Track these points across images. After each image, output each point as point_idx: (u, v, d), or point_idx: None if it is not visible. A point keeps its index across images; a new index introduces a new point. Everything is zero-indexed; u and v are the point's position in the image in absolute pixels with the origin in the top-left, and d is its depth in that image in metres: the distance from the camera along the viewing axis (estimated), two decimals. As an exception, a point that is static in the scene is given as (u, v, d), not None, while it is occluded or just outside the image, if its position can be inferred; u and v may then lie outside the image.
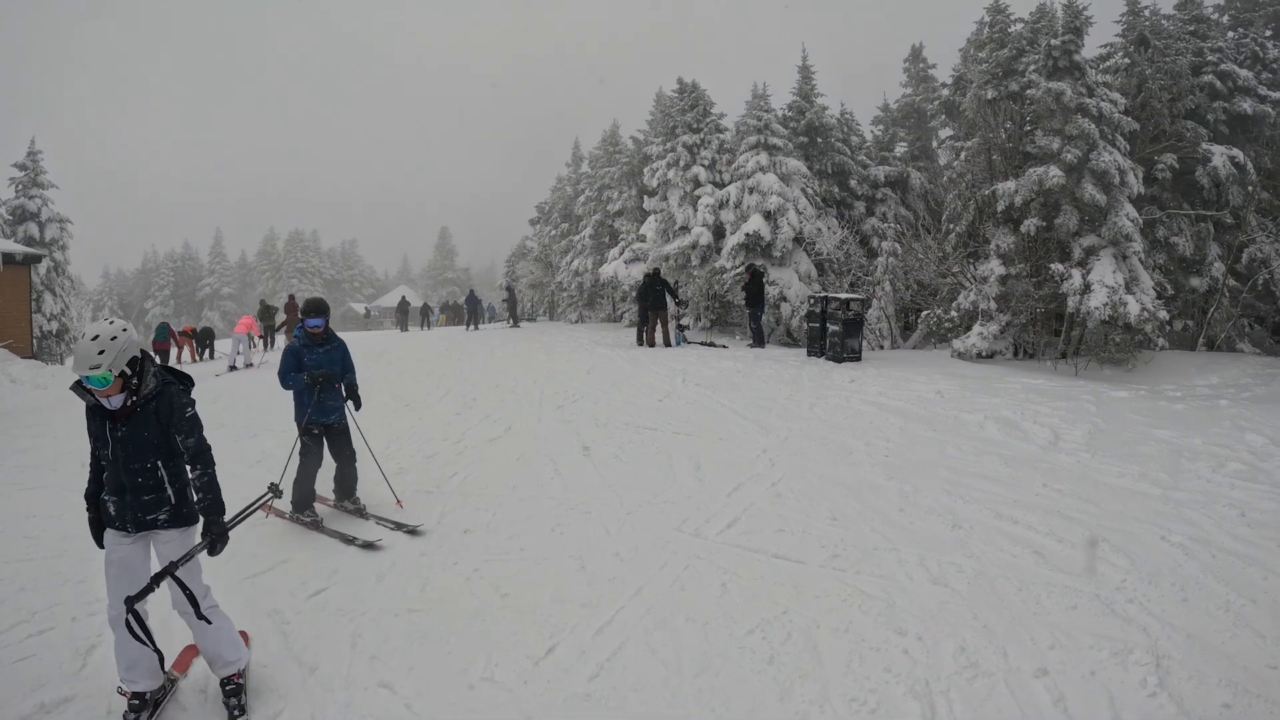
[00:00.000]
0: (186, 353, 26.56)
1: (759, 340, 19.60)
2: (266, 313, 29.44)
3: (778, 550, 6.18)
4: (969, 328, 16.98)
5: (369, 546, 6.66)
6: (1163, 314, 15.26)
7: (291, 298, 30.18)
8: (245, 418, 12.59)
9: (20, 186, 34.12)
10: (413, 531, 6.96)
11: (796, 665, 4.57)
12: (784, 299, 21.44)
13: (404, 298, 52.96)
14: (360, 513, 7.58)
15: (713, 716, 4.18)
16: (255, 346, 25.58)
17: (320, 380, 7.39)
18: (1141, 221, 16.04)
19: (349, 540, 6.80)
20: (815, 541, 6.32)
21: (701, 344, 20.42)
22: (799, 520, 6.80)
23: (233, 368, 21.62)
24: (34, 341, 26.68)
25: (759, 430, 9.98)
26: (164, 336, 24.00)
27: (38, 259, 27.62)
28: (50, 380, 20.15)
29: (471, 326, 36.91)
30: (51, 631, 5.33)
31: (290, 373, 7.50)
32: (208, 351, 27.04)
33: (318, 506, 7.58)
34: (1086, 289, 15.18)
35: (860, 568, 5.78)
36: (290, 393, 7.64)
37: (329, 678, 4.68)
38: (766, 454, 8.89)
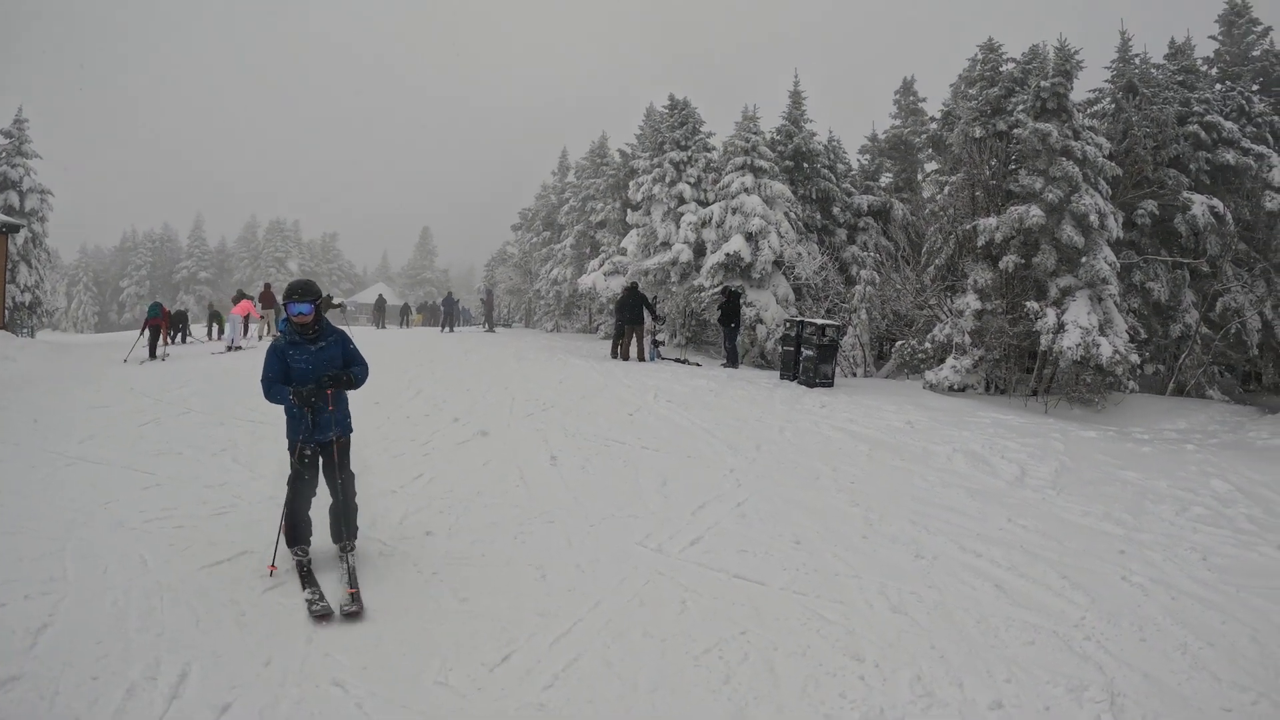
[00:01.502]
0: (161, 336, 26.21)
1: (733, 361, 19.59)
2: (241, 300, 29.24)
3: (739, 570, 6.14)
4: (942, 360, 17.06)
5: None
6: (1134, 357, 15.40)
7: (267, 287, 29.81)
8: (213, 403, 12.40)
9: (4, 154, 33.73)
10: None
11: (752, 686, 4.53)
12: (760, 321, 21.49)
13: (381, 295, 52.83)
14: (344, 563, 6.06)
15: None
16: (245, 332, 25.85)
17: (311, 398, 5.88)
18: (1119, 265, 16.19)
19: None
20: (777, 564, 6.29)
21: (675, 361, 20.38)
22: (762, 542, 6.77)
23: (230, 348, 22.44)
24: (5, 313, 26.29)
25: (728, 450, 9.95)
26: (157, 313, 23.81)
27: (15, 228, 27.27)
28: (19, 352, 19.92)
29: (447, 328, 36.81)
30: (2, 608, 5.20)
31: (274, 382, 5.95)
32: (180, 335, 26.70)
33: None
34: (1060, 328, 15.28)
35: (821, 592, 5.75)
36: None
37: (283, 672, 4.59)
38: (734, 474, 8.87)
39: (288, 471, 6.11)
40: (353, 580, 5.70)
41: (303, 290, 6.00)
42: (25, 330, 30.46)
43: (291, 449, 6.09)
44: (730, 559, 6.39)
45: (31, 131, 34.51)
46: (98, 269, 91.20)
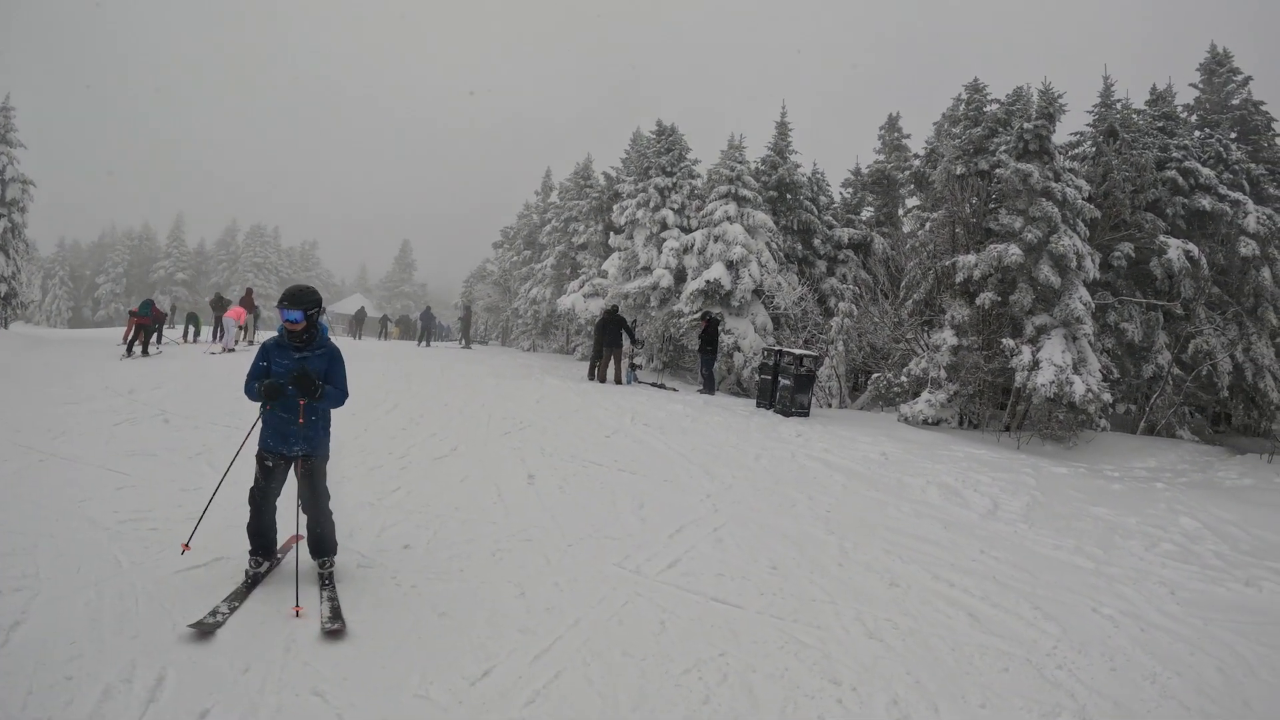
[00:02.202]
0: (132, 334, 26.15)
1: (709, 387, 19.65)
2: (220, 304, 29.18)
3: (717, 594, 6.17)
4: (918, 394, 17.21)
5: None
6: (1107, 396, 15.59)
7: (249, 292, 29.70)
8: (189, 405, 12.30)
9: None
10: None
11: (731, 707, 4.56)
12: (738, 348, 21.60)
13: (362, 307, 52.84)
14: (323, 582, 5.91)
15: None
16: (241, 335, 26.59)
17: (273, 391, 5.65)
18: (1094, 305, 16.42)
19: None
20: (754, 588, 6.32)
21: (652, 385, 20.41)
22: (739, 566, 6.80)
23: (226, 350, 23.30)
24: None
25: (704, 475, 9.99)
26: (148, 312, 23.81)
27: None
28: None
29: (424, 343, 36.77)
30: None
31: (252, 379, 5.83)
32: (155, 336, 26.57)
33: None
34: (1035, 366, 15.47)
35: (798, 617, 5.79)
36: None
37: (262, 680, 4.58)
38: (710, 499, 8.91)
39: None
40: (333, 598, 5.62)
41: (293, 298, 5.75)
42: None
43: (257, 456, 5.97)
44: (708, 582, 6.42)
45: (18, 120, 34.14)
46: (75, 263, 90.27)
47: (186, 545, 5.87)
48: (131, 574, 5.88)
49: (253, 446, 6.03)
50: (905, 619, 5.83)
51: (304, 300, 5.76)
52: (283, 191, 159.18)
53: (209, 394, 13.29)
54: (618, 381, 19.93)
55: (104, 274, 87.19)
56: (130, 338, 22.67)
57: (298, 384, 5.65)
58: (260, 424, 5.90)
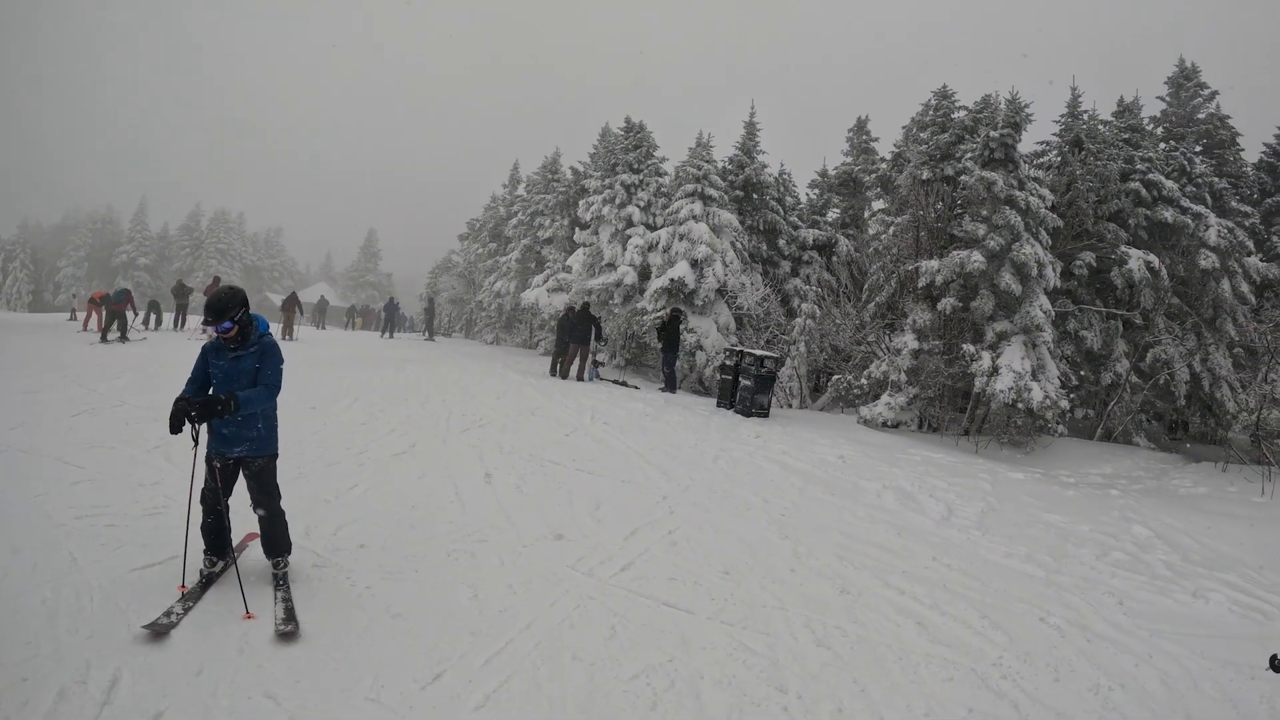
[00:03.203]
0: (94, 321, 26.05)
1: (670, 385, 19.66)
2: (181, 291, 29.03)
3: (669, 598, 6.17)
4: (878, 396, 17.32)
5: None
6: (1064, 402, 15.75)
7: (216, 280, 29.50)
8: (149, 398, 12.15)
9: None
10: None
11: (678, 713, 4.58)
12: (700, 347, 21.60)
13: (323, 296, 52.54)
14: (277, 582, 5.85)
15: None
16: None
17: (181, 414, 5.37)
18: (1054, 313, 16.59)
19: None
20: (706, 593, 6.33)
21: (614, 382, 20.44)
22: (692, 570, 6.81)
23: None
24: None
25: (661, 476, 9.99)
26: (122, 299, 23.88)
27: None
28: None
29: (387, 334, 36.62)
30: None
31: (189, 383, 5.76)
32: (117, 322, 26.40)
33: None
34: (994, 371, 15.61)
35: (748, 623, 5.80)
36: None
37: (214, 682, 4.53)
38: (667, 501, 8.91)
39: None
40: (287, 599, 5.56)
41: (216, 311, 5.55)
42: None
43: (206, 458, 5.87)
44: (660, 586, 6.42)
45: None
46: (36, 245, 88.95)
47: (183, 588, 5.65)
48: (88, 572, 5.81)
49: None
50: (854, 626, 5.86)
51: (228, 308, 5.58)
52: (248, 175, 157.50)
53: (168, 385, 13.12)
54: (580, 378, 19.96)
55: (65, 258, 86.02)
56: (104, 325, 22.87)
57: (201, 410, 5.40)
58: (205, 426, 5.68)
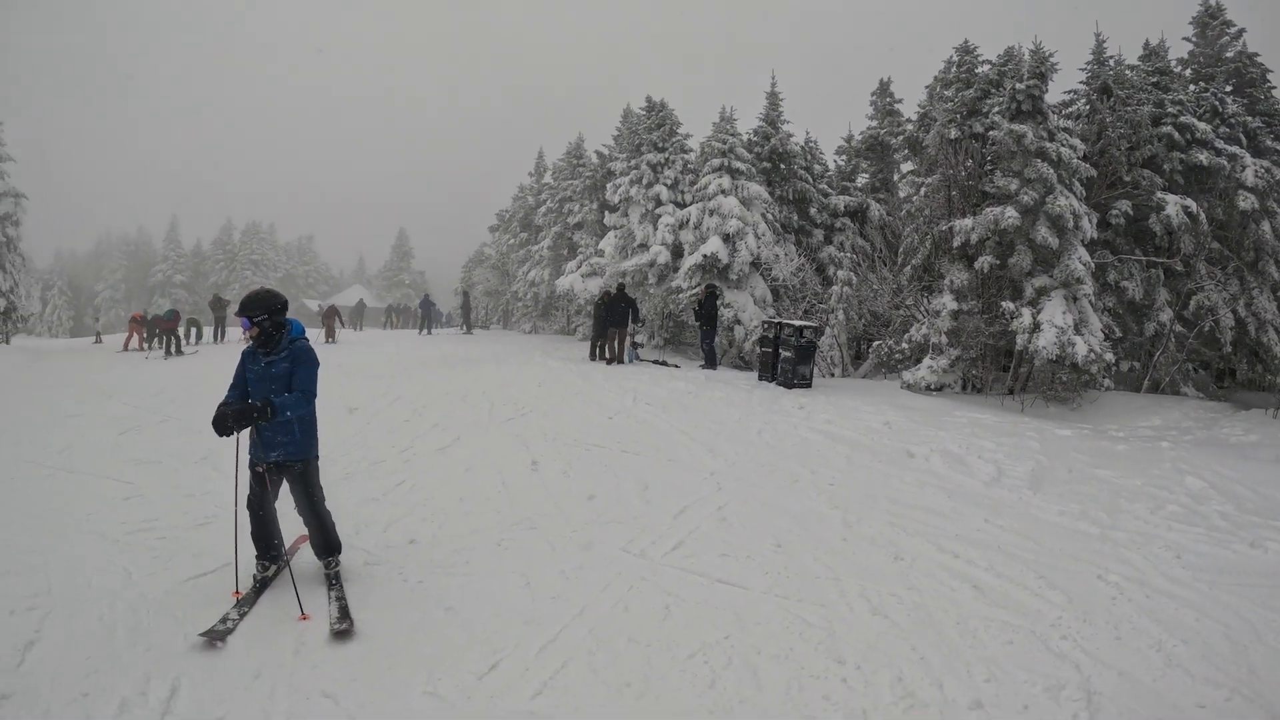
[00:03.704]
0: (135, 340, 26.86)
1: (711, 362, 19.62)
2: (218, 304, 29.66)
3: (722, 575, 6.19)
4: (919, 360, 17.16)
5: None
6: (1109, 356, 15.53)
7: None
8: (191, 411, 12.34)
9: None
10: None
11: (737, 690, 4.59)
12: (738, 322, 21.52)
13: (361, 299, 53.07)
14: (329, 582, 5.93)
15: None
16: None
17: (223, 422, 5.43)
18: (1093, 265, 16.33)
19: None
20: (759, 568, 6.34)
21: (654, 362, 20.45)
22: (743, 545, 6.82)
23: None
24: None
25: (707, 453, 9.99)
26: (172, 318, 25.11)
27: None
28: None
29: (425, 331, 36.81)
30: None
31: (230, 388, 5.93)
32: (156, 340, 27.03)
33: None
34: (1036, 328, 15.41)
35: (802, 595, 5.80)
36: None
37: (272, 684, 4.60)
38: (714, 477, 8.91)
39: None
40: (340, 598, 5.64)
41: (244, 304, 5.76)
42: (0, 336, 30.31)
43: (249, 464, 5.95)
44: (712, 563, 6.44)
45: (6, 133, 34.01)
46: (73, 273, 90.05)
47: (238, 594, 5.74)
48: (142, 584, 5.93)
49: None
50: (910, 593, 5.83)
51: (252, 306, 5.74)
52: (277, 187, 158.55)
53: (209, 397, 13.32)
54: (620, 361, 19.96)
55: (102, 281, 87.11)
56: (166, 345, 24.56)
57: (236, 418, 5.46)
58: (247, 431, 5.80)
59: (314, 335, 22.60)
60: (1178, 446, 11.48)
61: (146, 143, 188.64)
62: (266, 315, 5.74)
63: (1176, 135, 18.88)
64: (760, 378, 17.03)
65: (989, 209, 16.33)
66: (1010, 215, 15.78)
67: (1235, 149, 18.88)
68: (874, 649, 5.00)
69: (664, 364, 20.08)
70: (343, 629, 5.21)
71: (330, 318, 30.53)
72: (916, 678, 4.66)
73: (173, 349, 24.35)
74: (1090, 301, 16.02)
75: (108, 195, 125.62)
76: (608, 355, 20.18)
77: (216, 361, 20.32)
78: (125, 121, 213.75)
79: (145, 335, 26.83)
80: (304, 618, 5.42)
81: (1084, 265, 15.76)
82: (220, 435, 5.48)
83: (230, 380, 5.99)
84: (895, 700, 4.44)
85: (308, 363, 5.85)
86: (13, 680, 4.57)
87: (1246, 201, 17.88)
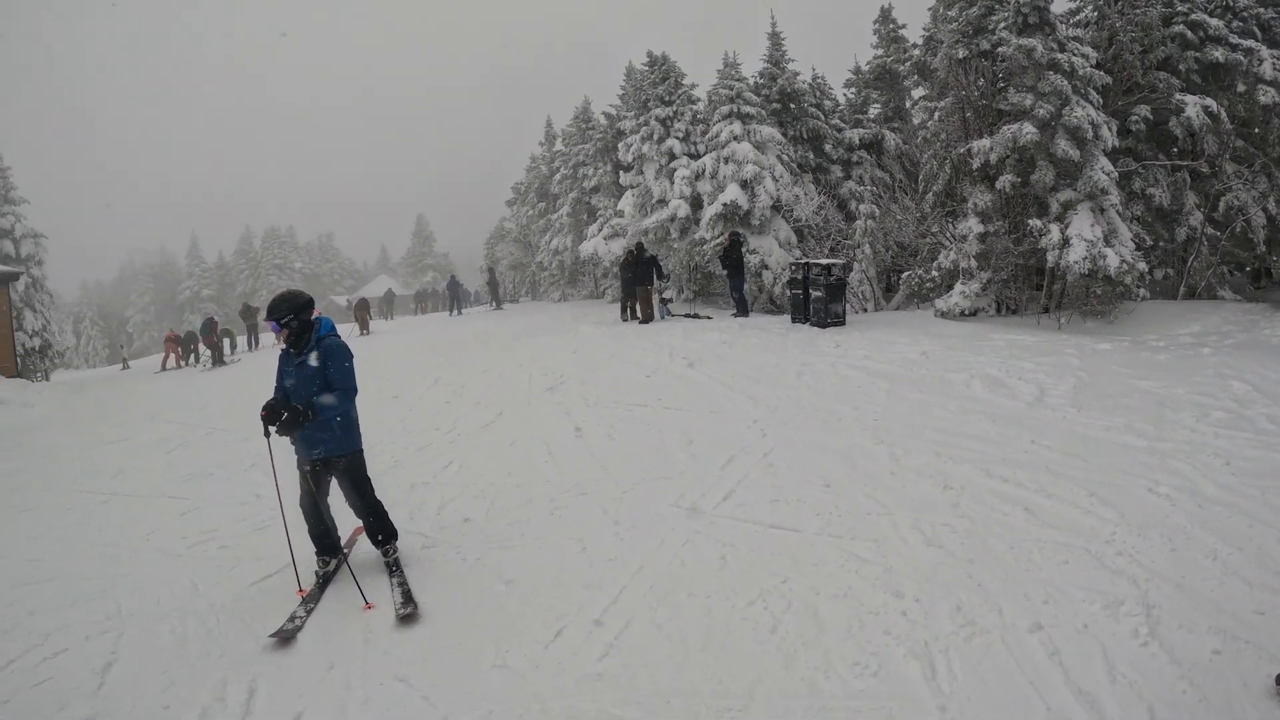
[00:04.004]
0: (172, 358, 27.74)
1: (742, 310, 19.58)
2: (248, 313, 30.28)
3: (774, 520, 6.26)
4: (951, 287, 17.06)
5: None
6: (1142, 265, 15.38)
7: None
8: (237, 420, 12.57)
9: None
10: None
11: (799, 633, 4.67)
12: (765, 267, 21.45)
13: (389, 289, 53.61)
14: (390, 569, 6.06)
15: (720, 688, 4.26)
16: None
17: (266, 425, 5.64)
18: (1117, 174, 16.11)
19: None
20: (810, 509, 6.39)
21: (685, 316, 20.41)
22: (792, 489, 6.88)
23: None
24: (17, 360, 27.07)
25: (748, 401, 10.03)
26: (209, 331, 26.87)
27: (14, 276, 27.73)
28: (37, 398, 20.17)
29: (455, 312, 36.97)
30: (66, 653, 5.33)
31: (276, 386, 6.07)
32: (193, 355, 27.76)
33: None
34: (1065, 243, 15.26)
35: (855, 533, 5.87)
36: None
37: (346, 675, 4.74)
38: (757, 424, 8.95)
39: None
40: (403, 583, 5.76)
41: (269, 309, 5.85)
42: (40, 374, 30.88)
43: (297, 464, 6.06)
44: (763, 510, 6.51)
45: (15, 176, 34.46)
46: (100, 302, 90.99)
47: (302, 591, 5.90)
48: (209, 594, 6.10)
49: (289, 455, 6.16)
50: (962, 521, 5.88)
51: (279, 308, 5.84)
52: (290, 191, 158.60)
53: (252, 403, 13.54)
54: (651, 319, 19.95)
55: (131, 306, 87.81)
56: (215, 354, 26.21)
57: (283, 426, 5.61)
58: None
59: (347, 330, 23.01)
60: (1219, 352, 11.38)
61: (154, 164, 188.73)
62: (293, 315, 5.82)
63: (1189, 34, 18.51)
64: (793, 320, 17.02)
65: (1005, 127, 16.13)
66: (1028, 131, 15.58)
67: (1251, 43, 18.46)
68: (931, 580, 5.06)
69: (696, 317, 20.08)
70: (407, 613, 5.32)
71: (361, 310, 31.06)
72: (975, 605, 4.72)
73: (215, 360, 25.44)
74: (1118, 212, 15.84)
75: (124, 221, 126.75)
76: (639, 315, 20.14)
77: (253, 369, 20.68)
78: (128, 143, 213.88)
79: (181, 352, 27.53)
80: (369, 607, 5.55)
81: (1107, 175, 15.56)
82: (272, 428, 5.61)
83: (274, 381, 6.10)
84: (956, 629, 4.51)
85: (340, 358, 5.90)
86: (95, 704, 4.72)
87: (1267, 95, 17.52)
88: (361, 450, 6.14)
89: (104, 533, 7.95)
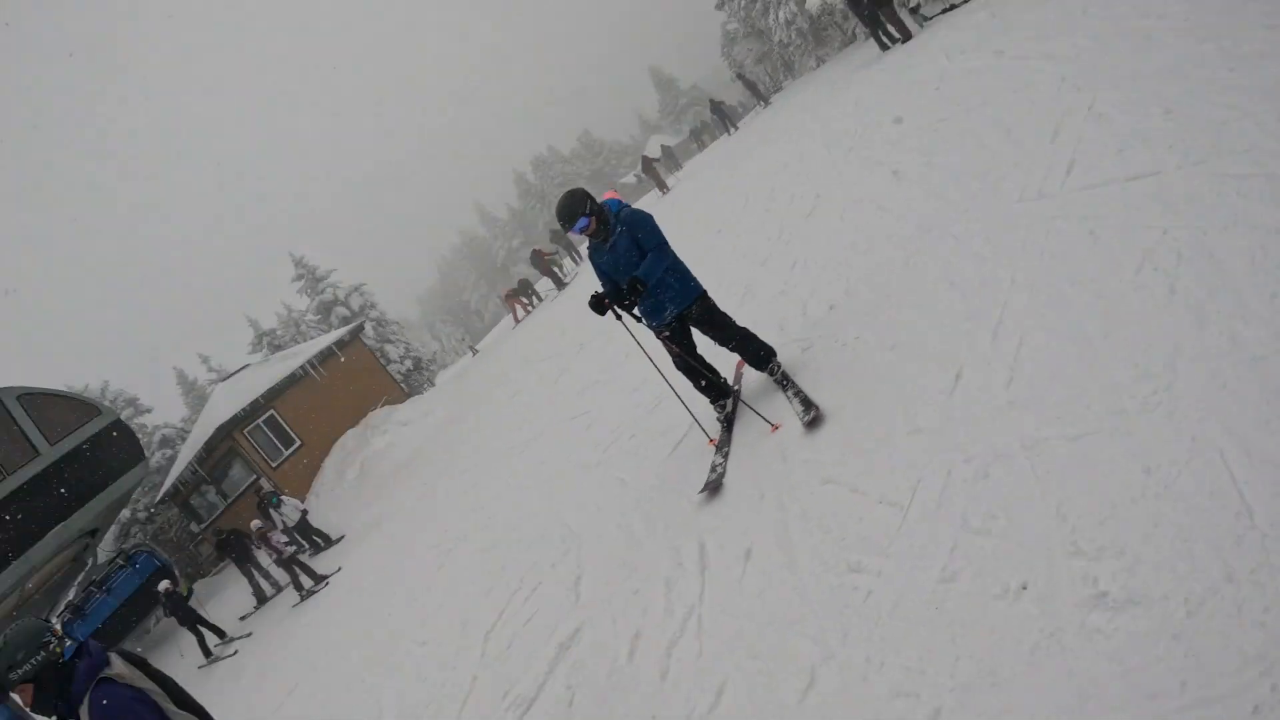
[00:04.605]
0: (520, 310, 30.50)
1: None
2: (556, 237, 31.88)
3: (1129, 172, 5.59)
4: None
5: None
6: None
7: (535, 253, 30.88)
8: (595, 329, 12.46)
9: (309, 292, 38.66)
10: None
11: (1200, 283, 4.15)
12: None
13: (662, 145, 54.27)
14: (781, 385, 6.05)
15: (1137, 371, 3.89)
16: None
17: (602, 308, 5.91)
18: None
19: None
20: (1162, 146, 5.59)
21: (944, 10, 17.62)
22: (1135, 136, 6.01)
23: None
24: (401, 387, 31.43)
25: (1047, 62, 8.76)
26: (537, 262, 29.60)
27: (360, 329, 31.47)
28: (432, 404, 23.25)
29: (729, 133, 36.80)
30: (540, 586, 6.32)
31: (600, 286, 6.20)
32: (534, 297, 30.39)
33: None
34: None
35: (1220, 149, 5.11)
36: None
37: (778, 497, 5.04)
38: (1066, 82, 7.88)
39: None
40: (798, 392, 5.77)
41: (566, 218, 5.88)
42: (426, 385, 35.51)
43: (656, 335, 6.16)
44: (1110, 164, 5.86)
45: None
46: (427, 305, 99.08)
47: (712, 441, 6.25)
48: (635, 483, 6.75)
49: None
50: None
51: (569, 212, 5.87)
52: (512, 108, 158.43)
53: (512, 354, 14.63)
54: (909, 36, 17.55)
55: (465, 291, 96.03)
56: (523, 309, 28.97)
57: (621, 307, 5.88)
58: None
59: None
60: None
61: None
62: (583, 210, 5.85)
63: None
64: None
65: None
66: None
67: None
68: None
69: (954, 6, 17.24)
70: (811, 418, 5.41)
71: (539, 261, 30.35)
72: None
73: (558, 285, 28.05)
74: None
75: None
76: (896, 36, 17.82)
77: (590, 281, 21.61)
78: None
79: (524, 301, 29.62)
80: (776, 428, 5.72)
81: None
82: (598, 314, 5.95)
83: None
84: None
85: (644, 223, 5.89)
86: (577, 615, 5.49)
87: None
88: (705, 292, 6.08)
89: (544, 467, 9.02)
